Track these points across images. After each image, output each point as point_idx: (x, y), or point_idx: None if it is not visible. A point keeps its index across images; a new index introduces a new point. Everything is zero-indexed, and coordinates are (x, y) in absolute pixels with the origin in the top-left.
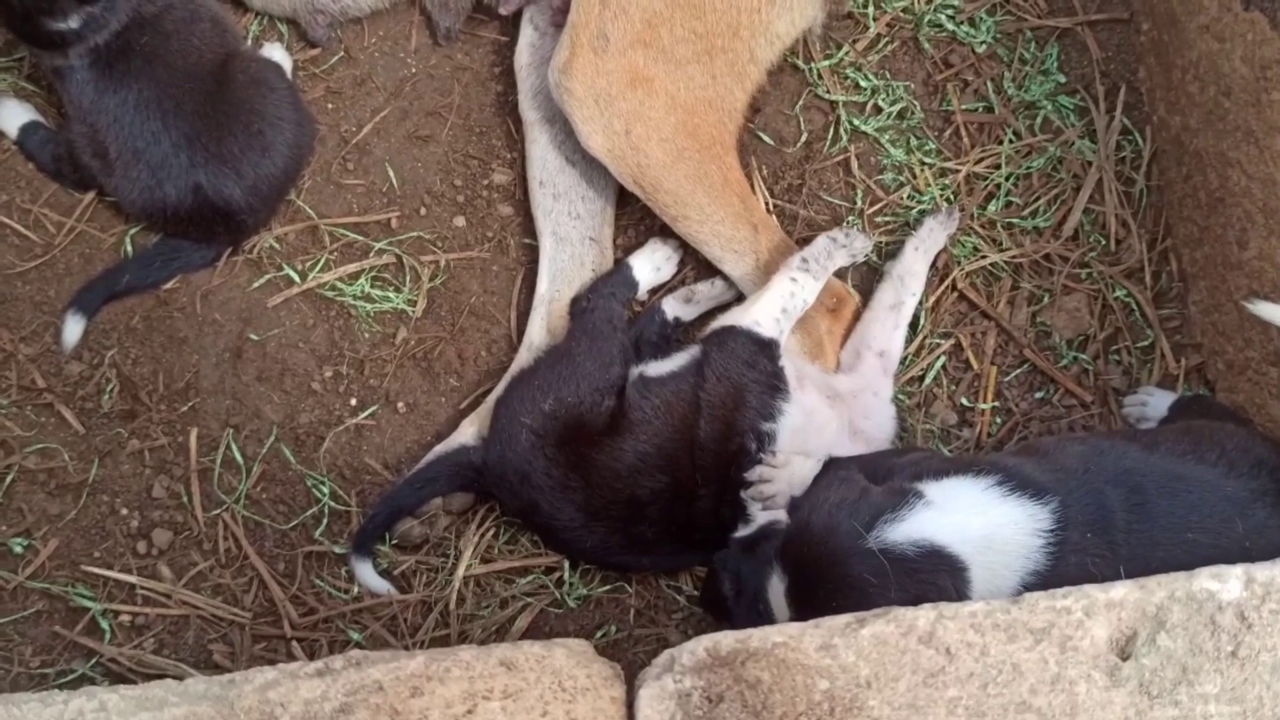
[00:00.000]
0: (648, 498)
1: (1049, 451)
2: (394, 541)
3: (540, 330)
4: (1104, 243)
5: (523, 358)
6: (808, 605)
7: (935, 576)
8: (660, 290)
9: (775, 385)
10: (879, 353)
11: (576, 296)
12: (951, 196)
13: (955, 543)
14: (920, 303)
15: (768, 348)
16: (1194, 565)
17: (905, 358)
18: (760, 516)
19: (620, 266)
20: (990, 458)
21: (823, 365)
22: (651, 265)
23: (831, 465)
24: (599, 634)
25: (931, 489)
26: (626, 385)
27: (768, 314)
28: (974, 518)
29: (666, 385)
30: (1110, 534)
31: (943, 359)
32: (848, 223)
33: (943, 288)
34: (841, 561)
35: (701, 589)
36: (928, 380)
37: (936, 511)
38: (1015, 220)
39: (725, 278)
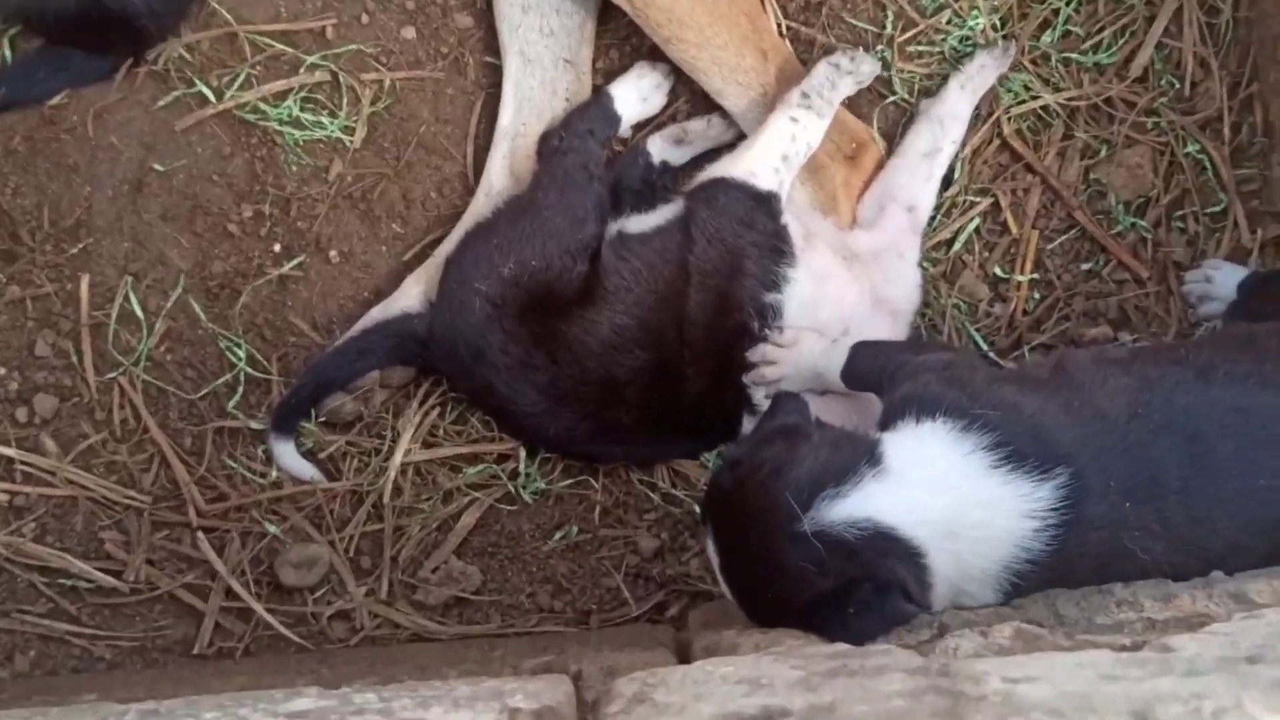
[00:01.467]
0: (625, 378)
1: (1084, 384)
2: (321, 419)
3: (501, 171)
4: (1177, 86)
5: (479, 204)
6: (738, 579)
7: (882, 562)
8: (646, 127)
9: (778, 248)
10: (907, 207)
11: (547, 133)
12: (999, 23)
13: (907, 525)
14: (956, 153)
15: (766, 202)
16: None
17: (932, 217)
18: (766, 405)
19: (599, 97)
20: (1006, 395)
21: (836, 222)
22: (637, 95)
23: (788, 401)
24: (558, 535)
25: (898, 445)
26: (602, 245)
27: (765, 162)
28: (935, 496)
29: (649, 245)
30: (1161, 500)
31: (976, 220)
32: (847, 48)
33: (981, 134)
34: (774, 548)
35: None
36: (957, 245)
37: (890, 484)
38: (1073, 55)
39: (725, 114)
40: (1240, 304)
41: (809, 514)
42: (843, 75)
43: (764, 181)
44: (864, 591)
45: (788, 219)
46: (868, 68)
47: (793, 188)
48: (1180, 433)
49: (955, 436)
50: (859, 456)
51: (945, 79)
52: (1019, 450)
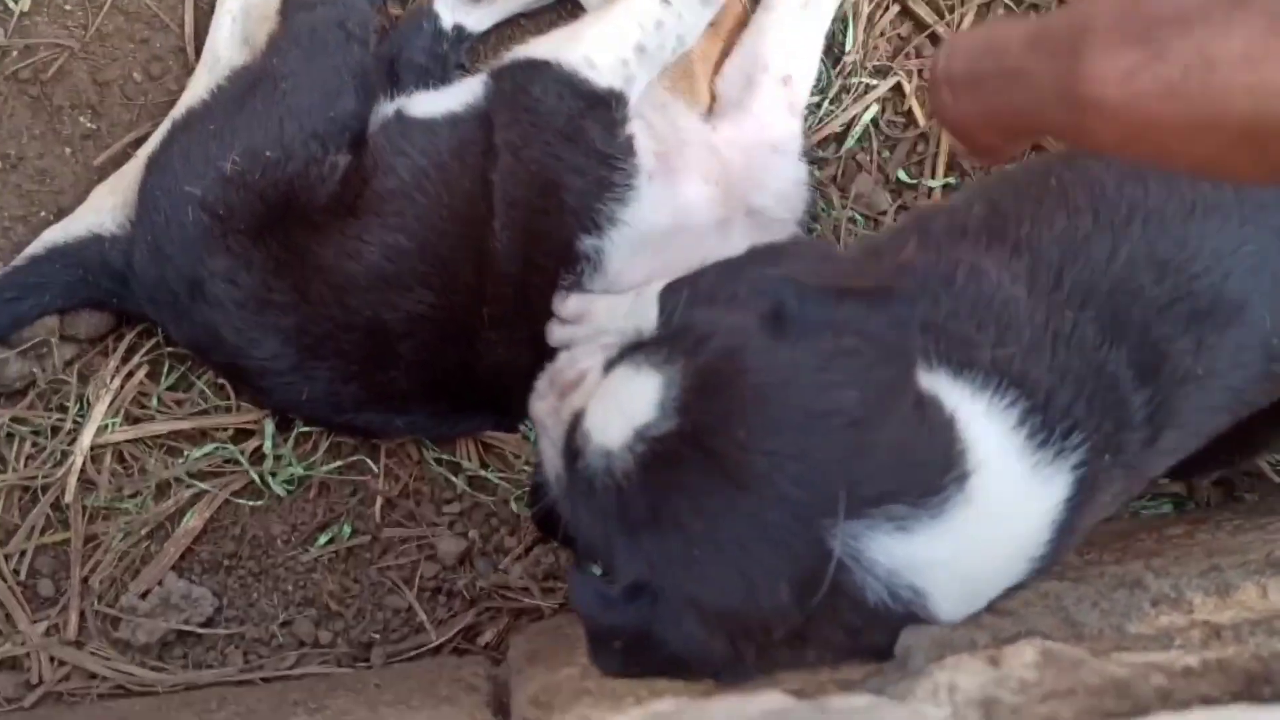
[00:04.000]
0: (400, 327)
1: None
2: None
3: (230, 41)
4: None
5: (200, 86)
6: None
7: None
8: None
9: (610, 173)
10: (782, 77)
11: None
12: None
13: (946, 599)
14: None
15: (603, 106)
16: None
17: (817, 103)
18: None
19: None
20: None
21: (689, 103)
22: None
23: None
24: (323, 539)
25: (987, 441)
26: (370, 130)
27: (611, 50)
28: (998, 544)
29: (438, 136)
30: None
31: (873, 109)
32: None
33: None
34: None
35: (530, 490)
36: (850, 141)
37: (971, 523)
38: None
39: None
40: None
41: (849, 529)
42: None
43: (604, 76)
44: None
45: (635, 129)
46: None
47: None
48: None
49: (995, 409)
50: (951, 457)
51: None
52: (1038, 417)
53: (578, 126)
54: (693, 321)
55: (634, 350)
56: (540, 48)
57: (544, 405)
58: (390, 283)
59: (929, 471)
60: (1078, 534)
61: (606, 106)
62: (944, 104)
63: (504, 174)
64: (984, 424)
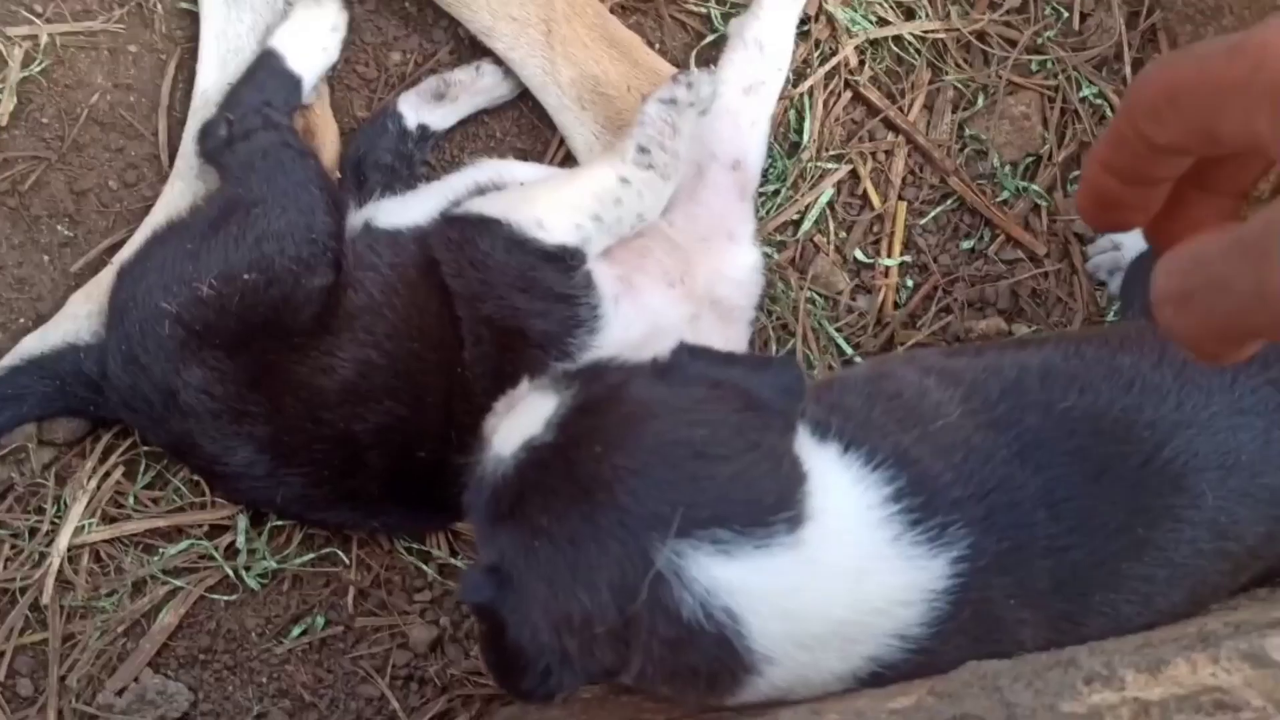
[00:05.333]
0: (369, 438)
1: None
2: None
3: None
4: (1065, 17)
5: (174, 193)
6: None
7: (703, 665)
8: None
9: (574, 309)
10: (732, 164)
11: (206, 125)
12: None
13: (767, 635)
14: (790, 94)
15: (556, 260)
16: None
17: (775, 190)
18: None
19: (263, 58)
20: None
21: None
22: (313, 44)
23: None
24: (296, 630)
25: (830, 491)
26: (345, 244)
27: (565, 215)
28: (834, 591)
29: (404, 250)
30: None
31: (829, 193)
32: (680, 75)
33: (827, 81)
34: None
35: (482, 642)
36: (806, 225)
37: (797, 561)
38: None
39: (499, 61)
40: (1148, 256)
41: (674, 545)
42: (682, 111)
43: (556, 235)
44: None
45: (593, 267)
46: (706, 89)
47: (594, 156)
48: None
49: (865, 480)
50: (788, 497)
51: None
52: (918, 500)
53: (529, 278)
54: (599, 363)
55: (555, 379)
56: (493, 205)
57: (493, 421)
58: (361, 396)
59: (761, 507)
60: (969, 639)
61: (559, 259)
62: (1169, 321)
63: (465, 316)
64: (841, 485)
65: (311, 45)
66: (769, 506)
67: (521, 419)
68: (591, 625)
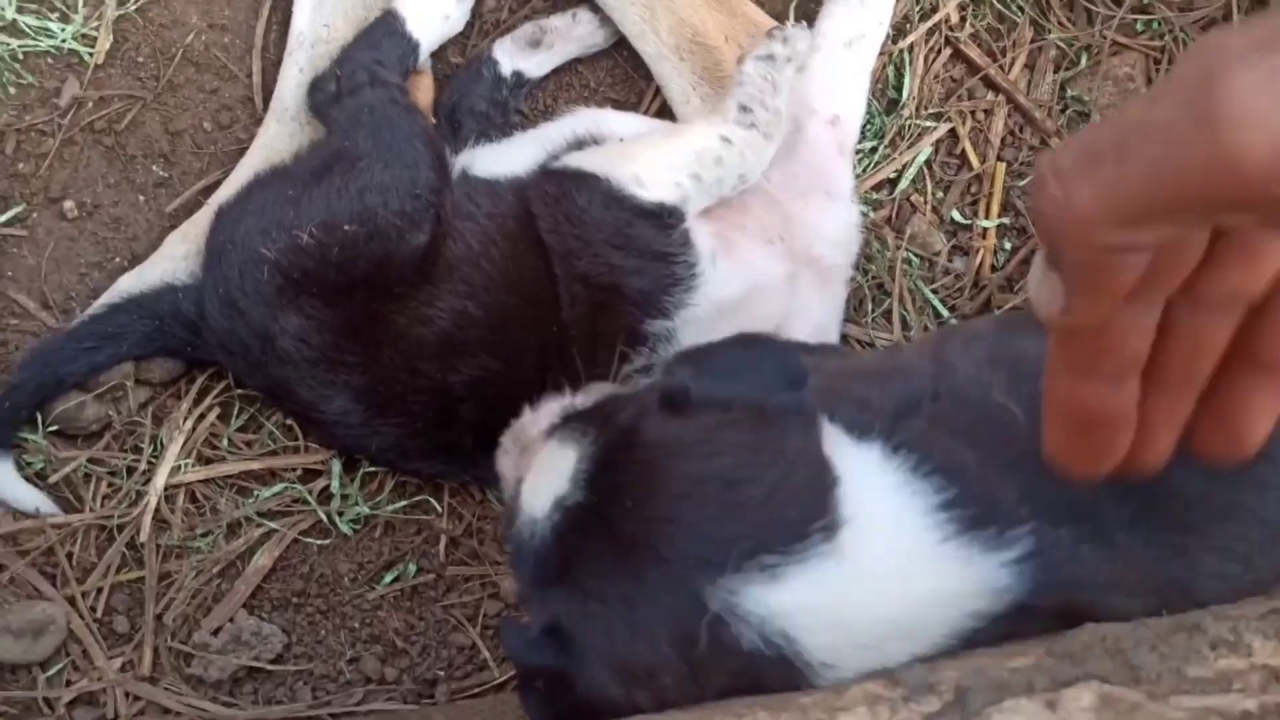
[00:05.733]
0: (464, 390)
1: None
2: (52, 427)
3: (298, 91)
4: None
5: (270, 134)
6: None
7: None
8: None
9: (671, 267)
10: (830, 119)
11: (317, 79)
12: None
13: (820, 649)
14: (889, 50)
15: (654, 216)
16: None
17: (873, 147)
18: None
19: (383, 19)
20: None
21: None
22: (436, 11)
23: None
24: (389, 577)
25: (864, 491)
26: (445, 196)
27: (665, 172)
28: (880, 601)
29: (504, 199)
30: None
31: (926, 151)
32: (775, 29)
33: (927, 38)
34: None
35: (537, 701)
36: (903, 183)
37: (841, 572)
38: None
39: (596, 8)
40: None
41: (727, 582)
42: (780, 67)
43: (655, 192)
44: None
45: (691, 225)
46: (803, 44)
47: (690, 107)
48: None
49: (910, 484)
50: (820, 503)
51: None
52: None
53: (626, 235)
54: (606, 400)
55: (569, 420)
56: (592, 160)
57: (507, 461)
58: (457, 348)
59: (797, 520)
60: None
61: (658, 215)
62: (1053, 203)
63: (561, 273)
64: (882, 486)
65: (434, 12)
66: (803, 518)
67: (545, 476)
68: (658, 677)
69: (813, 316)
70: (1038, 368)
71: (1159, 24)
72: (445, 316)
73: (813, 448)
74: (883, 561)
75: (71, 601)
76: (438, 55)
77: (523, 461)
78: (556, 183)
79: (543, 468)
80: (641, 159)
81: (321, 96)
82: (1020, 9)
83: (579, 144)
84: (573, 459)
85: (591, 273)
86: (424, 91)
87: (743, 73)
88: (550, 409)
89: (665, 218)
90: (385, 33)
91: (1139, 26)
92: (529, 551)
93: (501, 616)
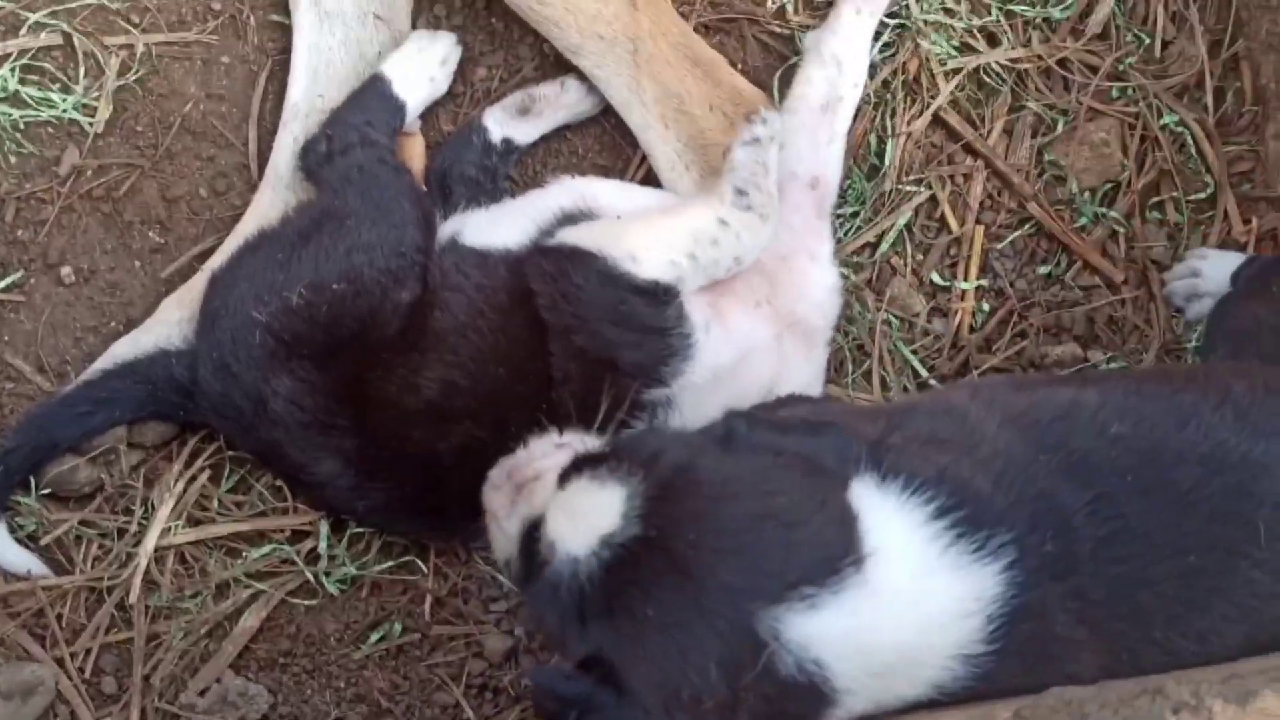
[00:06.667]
0: (450, 458)
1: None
2: (45, 490)
3: (292, 159)
4: (1146, 43)
5: (264, 203)
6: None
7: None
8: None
9: (667, 340)
10: (809, 182)
11: (309, 141)
12: None
13: (848, 675)
14: (872, 118)
15: (649, 294)
16: None
17: (855, 212)
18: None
19: (372, 81)
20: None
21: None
22: (421, 74)
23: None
24: (375, 637)
25: (884, 524)
26: (431, 259)
27: (661, 251)
28: (898, 625)
29: (495, 272)
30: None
31: (907, 216)
32: (754, 116)
33: (909, 104)
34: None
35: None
36: (884, 247)
37: (867, 601)
38: (1017, 7)
39: (584, 77)
40: (1234, 299)
41: (774, 611)
42: (767, 148)
43: (651, 270)
44: None
45: (688, 303)
46: (779, 123)
47: (676, 175)
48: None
49: (915, 506)
50: (849, 539)
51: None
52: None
53: (621, 311)
54: (638, 440)
55: (586, 463)
56: (588, 237)
57: (498, 497)
58: (445, 416)
59: (833, 556)
60: (1025, 661)
61: (652, 293)
62: None
63: (556, 349)
64: (888, 516)
65: (420, 75)
66: (838, 554)
67: (583, 516)
68: (700, 701)
69: (799, 377)
70: None
71: (1133, 90)
72: (432, 386)
73: (845, 498)
74: (900, 585)
75: (60, 663)
76: (430, 123)
77: (520, 501)
78: (554, 260)
79: (578, 509)
80: (637, 236)
81: (313, 157)
82: (1001, 79)
83: (569, 219)
84: (620, 496)
85: (589, 346)
86: (416, 159)
87: (733, 159)
88: (546, 448)
89: (660, 295)
90: (373, 95)
91: (1114, 93)
92: (569, 588)
93: (484, 675)
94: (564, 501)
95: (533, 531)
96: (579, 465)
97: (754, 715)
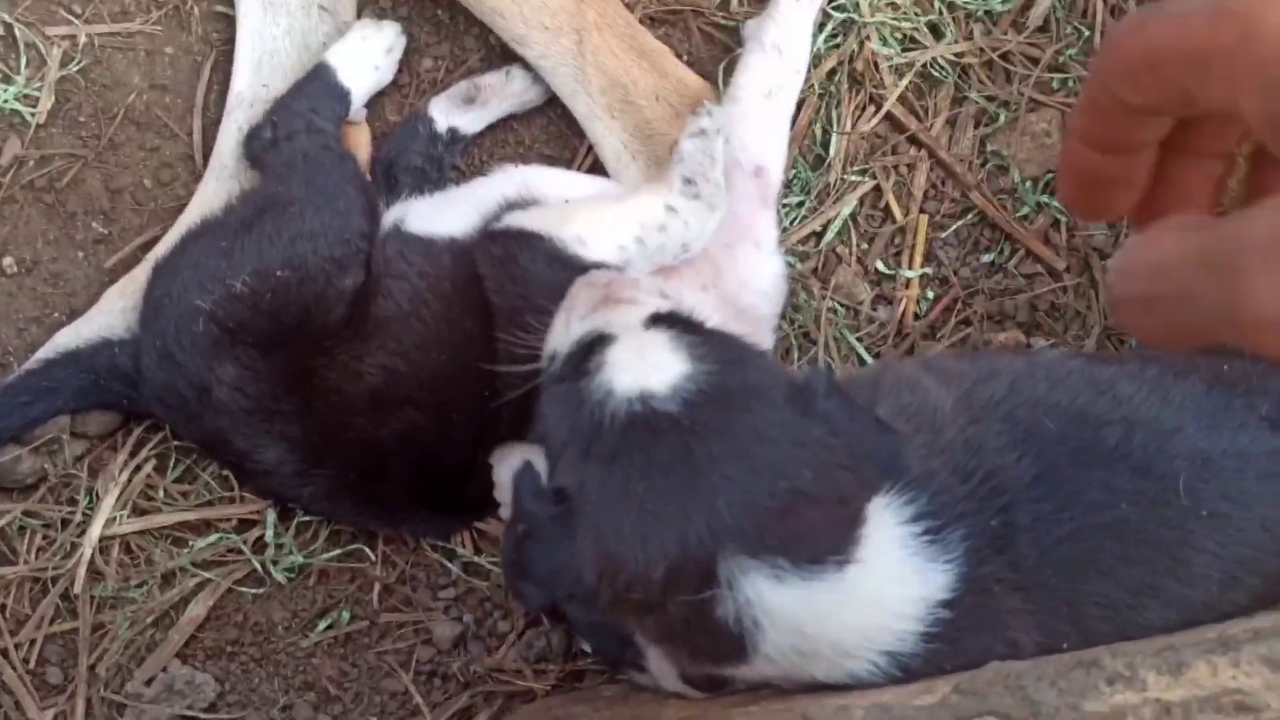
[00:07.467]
0: (393, 444)
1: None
2: None
3: (236, 149)
4: (1086, 35)
5: (209, 192)
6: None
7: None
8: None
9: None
10: (754, 170)
11: (253, 129)
12: None
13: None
14: (816, 107)
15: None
16: None
17: (800, 201)
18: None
19: (316, 71)
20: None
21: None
22: (366, 62)
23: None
24: (323, 624)
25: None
26: (375, 246)
27: (609, 234)
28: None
29: (438, 260)
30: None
31: (852, 205)
32: (700, 110)
33: (853, 96)
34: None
35: (513, 540)
36: (829, 236)
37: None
38: (959, 0)
39: (528, 67)
40: None
41: (742, 561)
42: (713, 140)
43: (598, 252)
44: None
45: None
46: (724, 115)
47: (622, 165)
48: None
49: (898, 507)
50: (846, 542)
51: None
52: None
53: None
54: (729, 340)
55: (679, 324)
56: (536, 220)
57: (588, 293)
58: (387, 404)
59: (823, 548)
60: (963, 639)
61: None
62: (1128, 322)
63: (504, 333)
64: (881, 524)
65: (364, 64)
66: (828, 550)
67: (644, 362)
68: (631, 588)
69: None
70: None
71: (1073, 81)
72: (375, 372)
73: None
74: (869, 595)
75: (4, 654)
76: (376, 113)
77: (603, 311)
78: (501, 243)
79: (643, 354)
80: (586, 220)
81: (258, 144)
82: (944, 70)
83: (514, 205)
84: (680, 370)
85: (531, 319)
86: (361, 148)
87: (681, 152)
88: (655, 286)
89: None
90: (318, 84)
91: (1055, 84)
92: (592, 415)
93: (433, 662)
94: (639, 341)
95: (593, 344)
96: (672, 321)
97: (666, 629)
